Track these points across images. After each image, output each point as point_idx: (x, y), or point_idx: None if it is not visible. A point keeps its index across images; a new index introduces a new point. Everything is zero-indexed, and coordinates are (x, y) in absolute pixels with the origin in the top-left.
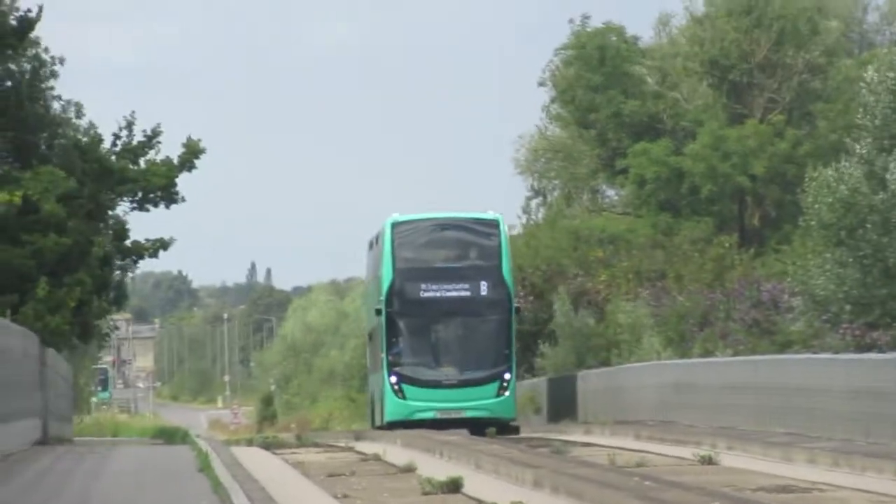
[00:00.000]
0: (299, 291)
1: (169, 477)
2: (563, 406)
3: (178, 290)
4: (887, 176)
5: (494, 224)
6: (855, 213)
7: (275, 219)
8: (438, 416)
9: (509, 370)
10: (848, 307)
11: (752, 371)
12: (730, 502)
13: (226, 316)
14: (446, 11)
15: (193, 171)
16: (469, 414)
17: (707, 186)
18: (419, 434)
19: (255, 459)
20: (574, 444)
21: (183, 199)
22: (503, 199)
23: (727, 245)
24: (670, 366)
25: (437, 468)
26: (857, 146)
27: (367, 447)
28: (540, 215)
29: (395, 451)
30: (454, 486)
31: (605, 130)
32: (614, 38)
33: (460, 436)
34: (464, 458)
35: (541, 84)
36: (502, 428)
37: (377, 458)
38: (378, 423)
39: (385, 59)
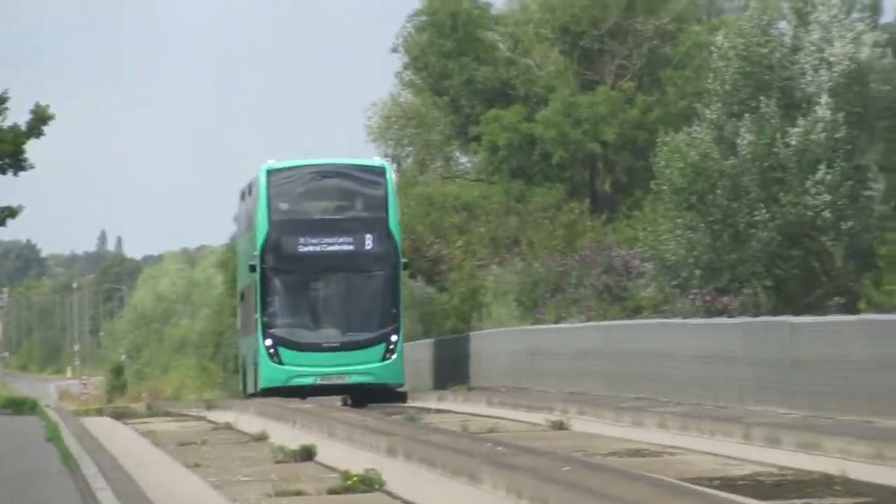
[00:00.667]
0: (150, 260)
1: (17, 447)
2: (444, 371)
3: (26, 259)
4: (738, 140)
5: (381, 171)
6: (705, 177)
7: (126, 187)
8: (319, 381)
9: (397, 331)
10: (698, 272)
11: (604, 337)
12: (580, 467)
13: (75, 285)
14: None
15: (42, 138)
16: (353, 379)
17: (558, 153)
18: (272, 402)
19: (106, 429)
20: (428, 410)
21: (31, 167)
22: None
23: (577, 211)
24: (524, 332)
25: (290, 436)
26: (707, 111)
27: (219, 416)
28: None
29: (247, 419)
30: (307, 453)
31: (458, 97)
32: (467, 5)
33: (314, 404)
34: (317, 426)
35: (393, 50)
36: (389, 394)
37: (229, 426)
38: (251, 390)
39: (238, 27)
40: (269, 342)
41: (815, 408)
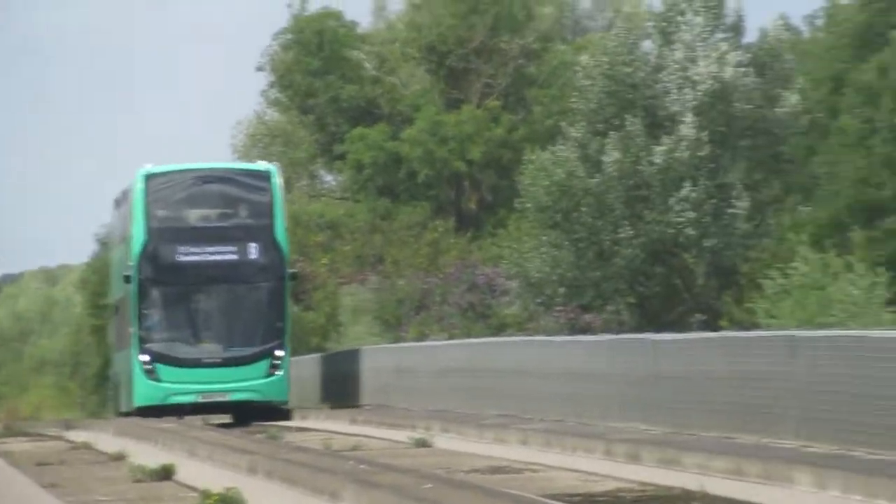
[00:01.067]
0: (9, 279)
1: None
2: (312, 389)
3: None
4: (603, 158)
5: (266, 176)
6: (570, 196)
7: None
8: (200, 399)
9: (282, 346)
10: (562, 290)
11: (468, 355)
12: (442, 484)
13: None
14: None
15: None
16: (235, 397)
17: (424, 171)
18: (132, 421)
19: None
20: (290, 429)
21: None
22: None
23: (441, 229)
24: (388, 350)
25: (150, 456)
26: (573, 130)
27: (77, 436)
28: None
29: (107, 439)
30: (166, 473)
31: (323, 115)
32: (333, 23)
33: (175, 423)
34: (178, 445)
35: (259, 69)
36: (274, 412)
37: (87, 446)
38: (125, 408)
39: (102, 43)
40: (145, 357)
41: (677, 424)
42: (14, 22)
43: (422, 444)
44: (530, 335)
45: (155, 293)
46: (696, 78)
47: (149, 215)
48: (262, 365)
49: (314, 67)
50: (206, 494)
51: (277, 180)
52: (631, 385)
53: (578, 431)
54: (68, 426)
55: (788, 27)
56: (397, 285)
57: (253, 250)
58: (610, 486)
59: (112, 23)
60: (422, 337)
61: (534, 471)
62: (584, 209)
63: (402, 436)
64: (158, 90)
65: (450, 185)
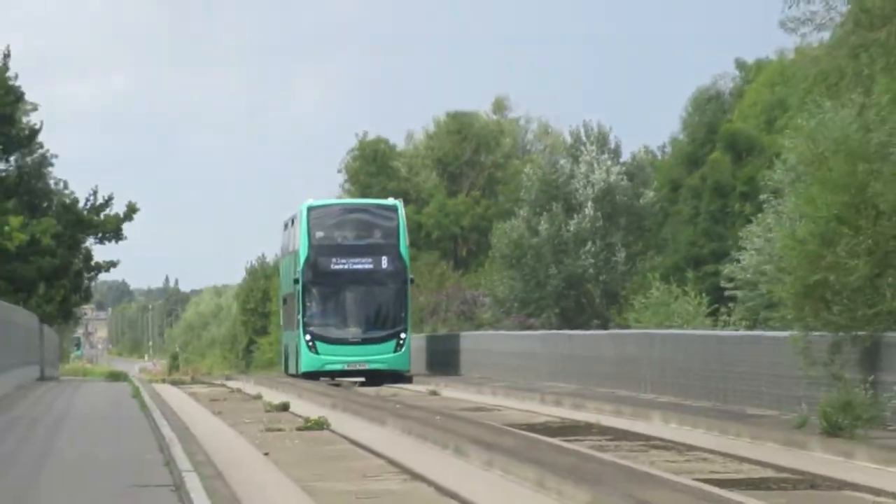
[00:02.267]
0: (195, 293)
1: (115, 399)
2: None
3: (121, 291)
4: (539, 228)
5: (394, 209)
6: (520, 249)
7: (180, 246)
8: (346, 367)
9: (405, 330)
10: (516, 304)
11: (461, 341)
12: (446, 417)
13: (150, 307)
14: (276, 134)
15: (132, 221)
16: (371, 366)
17: (435, 233)
18: (264, 376)
19: (167, 391)
20: (355, 383)
21: (125, 238)
22: None
23: (444, 267)
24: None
25: (275, 397)
26: (521, 211)
27: (233, 384)
28: None
29: (250, 387)
30: (284, 407)
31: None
32: (382, 145)
33: (290, 378)
34: (292, 391)
35: (339, 171)
36: (398, 377)
37: (239, 391)
38: (292, 371)
39: (245, 153)
40: (308, 337)
41: (583, 384)
42: (178, 140)
43: (434, 393)
44: (497, 330)
45: (315, 291)
46: (594, 181)
47: (310, 235)
48: (391, 343)
49: (371, 171)
50: (308, 420)
51: (401, 212)
52: (556, 361)
53: (525, 387)
54: (228, 378)
55: (648, 151)
56: (419, 300)
57: (384, 262)
58: (543, 419)
59: (256, 144)
60: (434, 331)
61: (499, 410)
62: (528, 257)
63: (423, 389)
64: (274, 190)
65: (450, 241)
